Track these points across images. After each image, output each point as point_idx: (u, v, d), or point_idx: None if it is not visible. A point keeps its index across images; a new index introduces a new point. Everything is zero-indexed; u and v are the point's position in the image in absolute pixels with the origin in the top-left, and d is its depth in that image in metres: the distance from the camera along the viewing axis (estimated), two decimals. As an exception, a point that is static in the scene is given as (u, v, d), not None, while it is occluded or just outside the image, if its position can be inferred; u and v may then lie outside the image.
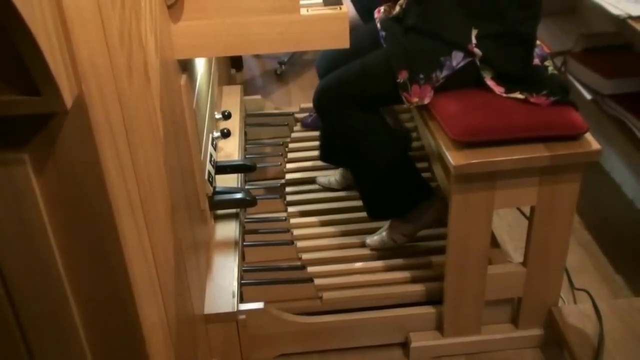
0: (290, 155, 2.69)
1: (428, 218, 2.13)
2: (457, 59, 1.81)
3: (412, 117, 2.78)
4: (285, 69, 3.65)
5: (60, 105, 0.83)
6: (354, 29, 1.67)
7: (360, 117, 1.97)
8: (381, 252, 2.17)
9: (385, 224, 2.19)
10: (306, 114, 2.92)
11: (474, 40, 1.79)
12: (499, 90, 1.79)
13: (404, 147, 2.13)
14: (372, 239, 2.19)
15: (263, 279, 2.04)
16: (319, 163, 2.51)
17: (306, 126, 2.87)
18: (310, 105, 2.63)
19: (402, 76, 1.83)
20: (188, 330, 1.52)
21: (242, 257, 2.10)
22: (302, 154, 2.70)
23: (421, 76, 1.81)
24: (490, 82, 1.80)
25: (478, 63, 1.80)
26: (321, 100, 2.01)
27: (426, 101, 1.84)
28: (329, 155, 2.40)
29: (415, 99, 1.84)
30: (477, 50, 1.79)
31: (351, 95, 1.95)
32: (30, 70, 0.79)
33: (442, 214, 2.07)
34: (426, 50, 1.83)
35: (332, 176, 2.48)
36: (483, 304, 1.91)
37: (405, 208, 2.12)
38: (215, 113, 2.32)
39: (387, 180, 2.04)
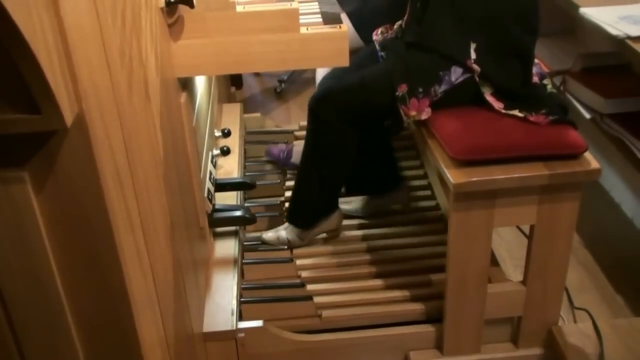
0: (290, 172, 2.69)
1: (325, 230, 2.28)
2: (456, 74, 1.82)
3: (412, 135, 2.79)
4: (284, 87, 3.67)
5: (60, 123, 0.83)
6: (355, 50, 1.68)
7: (347, 134, 2.00)
8: (381, 270, 2.17)
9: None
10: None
11: (473, 56, 1.79)
12: (498, 105, 1.80)
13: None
14: (267, 235, 2.27)
15: (262, 296, 2.03)
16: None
17: (269, 155, 2.74)
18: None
19: (402, 89, 1.83)
20: (187, 349, 1.51)
21: (242, 275, 2.10)
22: (302, 171, 2.69)
23: (420, 90, 1.82)
24: (489, 98, 1.81)
25: (477, 79, 1.81)
26: (319, 104, 2.01)
27: (424, 116, 1.84)
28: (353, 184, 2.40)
29: (413, 113, 1.84)
30: (475, 66, 1.79)
31: (350, 105, 1.96)
32: (30, 89, 0.79)
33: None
34: (425, 65, 1.84)
35: (352, 202, 2.45)
36: (483, 323, 1.90)
37: (316, 221, 2.22)
38: (215, 131, 2.33)
39: (326, 194, 2.17)
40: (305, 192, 2.18)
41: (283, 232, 2.25)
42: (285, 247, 2.24)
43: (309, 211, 2.22)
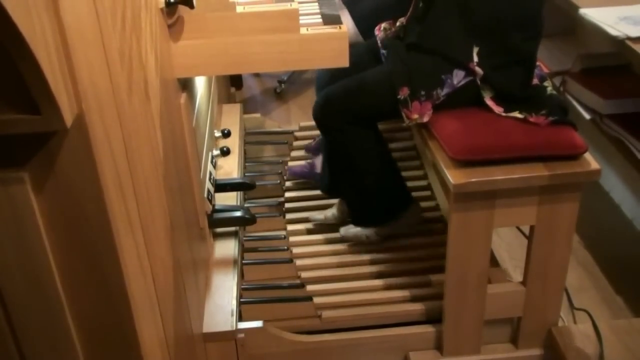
0: (289, 173, 2.69)
1: (403, 223, 2.25)
2: (458, 77, 1.82)
3: (412, 136, 2.79)
4: (284, 87, 3.66)
5: (60, 124, 0.83)
6: (353, 45, 1.68)
7: (360, 133, 2.00)
8: (381, 270, 2.17)
9: None
10: (310, 141, 2.78)
11: (475, 59, 1.79)
12: (498, 109, 1.80)
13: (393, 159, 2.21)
14: (347, 231, 2.28)
15: (262, 297, 2.03)
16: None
17: (293, 174, 2.67)
18: (309, 123, 2.65)
19: (403, 93, 1.83)
20: (186, 350, 1.51)
21: (241, 276, 2.10)
22: (302, 172, 2.69)
23: (422, 93, 1.82)
24: (489, 102, 1.81)
25: (479, 82, 1.81)
26: (323, 113, 2.02)
27: (425, 119, 1.84)
28: (334, 187, 2.33)
29: (415, 116, 1.84)
30: (478, 69, 1.79)
31: (352, 110, 1.96)
32: (30, 89, 0.79)
33: (417, 219, 2.30)
34: (427, 68, 1.84)
35: (328, 211, 2.40)
36: (483, 324, 1.90)
37: (388, 218, 2.22)
38: (215, 131, 2.33)
39: (375, 191, 2.13)
40: (355, 197, 2.20)
41: (357, 229, 2.27)
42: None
43: (370, 211, 2.22)
